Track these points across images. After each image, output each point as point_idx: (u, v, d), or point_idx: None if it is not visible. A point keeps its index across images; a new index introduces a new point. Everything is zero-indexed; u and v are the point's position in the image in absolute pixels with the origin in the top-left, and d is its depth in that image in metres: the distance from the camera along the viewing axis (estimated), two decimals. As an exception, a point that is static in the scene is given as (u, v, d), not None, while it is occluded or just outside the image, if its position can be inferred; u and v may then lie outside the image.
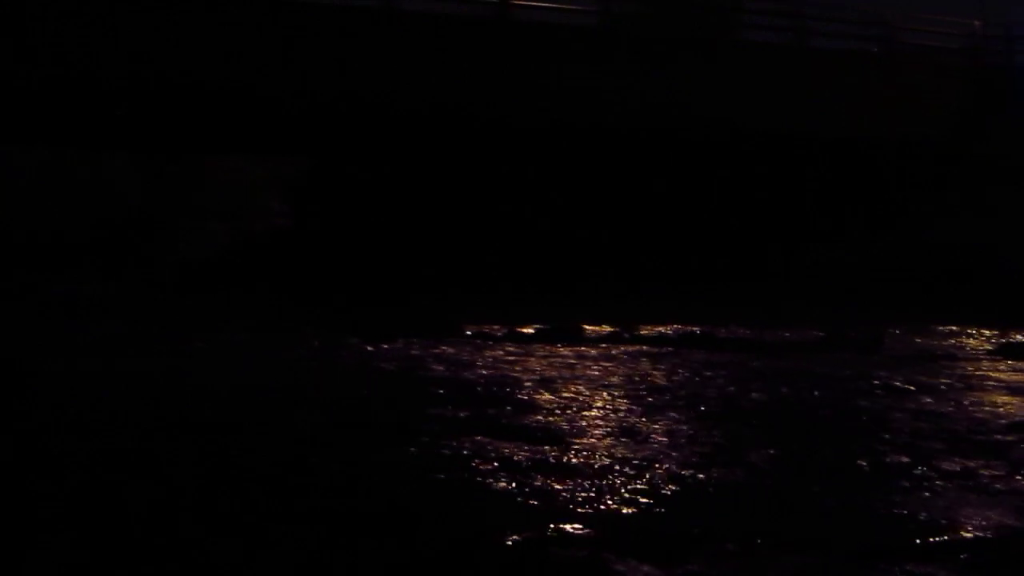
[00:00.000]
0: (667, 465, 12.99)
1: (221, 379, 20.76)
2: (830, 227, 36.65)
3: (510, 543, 9.87)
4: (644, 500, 11.36)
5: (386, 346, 24.44)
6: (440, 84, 35.20)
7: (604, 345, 25.81)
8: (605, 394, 18.62)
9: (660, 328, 28.32)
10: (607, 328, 28.37)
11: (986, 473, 12.77)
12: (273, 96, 34.10)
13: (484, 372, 21.12)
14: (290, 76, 33.72)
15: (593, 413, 16.82)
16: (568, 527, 10.35)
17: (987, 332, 28.61)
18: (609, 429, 15.46)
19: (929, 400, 18.59)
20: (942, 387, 20.29)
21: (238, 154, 44.56)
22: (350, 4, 35.62)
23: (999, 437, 15.14)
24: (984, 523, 10.62)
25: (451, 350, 24.30)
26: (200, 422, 16.49)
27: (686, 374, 21.31)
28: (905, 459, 13.82)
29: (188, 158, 47.14)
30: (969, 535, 10.29)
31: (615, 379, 20.73)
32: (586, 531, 10.24)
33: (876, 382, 20.75)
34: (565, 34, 38.95)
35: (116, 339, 26.42)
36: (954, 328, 29.27)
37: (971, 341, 27.42)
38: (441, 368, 21.62)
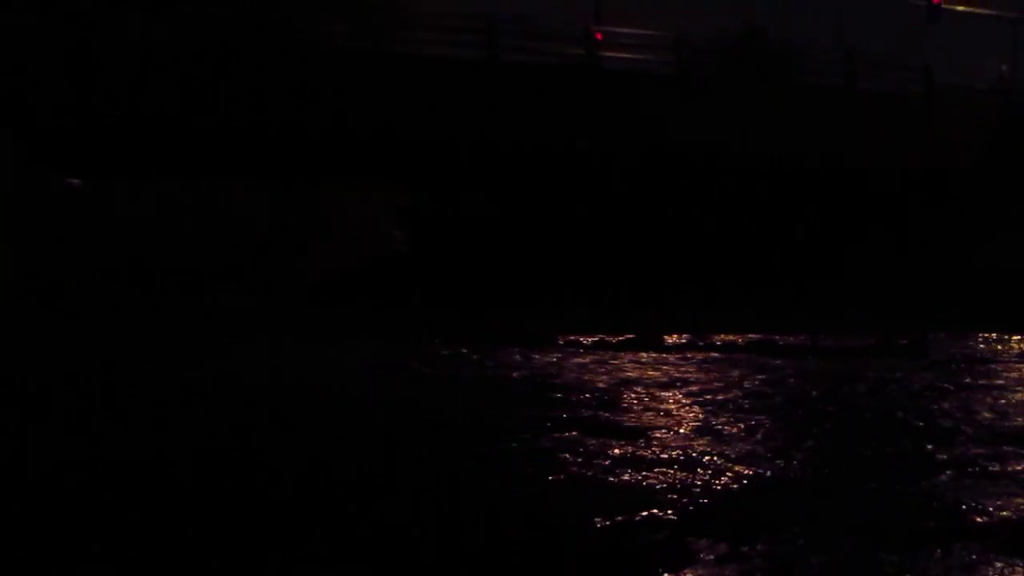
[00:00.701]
0: (737, 457, 12.92)
1: (354, 380, 20.84)
2: (881, 244, 36.41)
3: (603, 526, 9.85)
4: (718, 488, 11.31)
5: (492, 354, 24.40)
6: (535, 124, 35.20)
7: (680, 352, 25.67)
8: (681, 395, 18.53)
9: (727, 336, 28.15)
10: (684, 337, 28.23)
11: (1013, 465, 12.64)
12: (394, 135, 34.18)
13: (575, 376, 21.04)
14: (410, 119, 33.79)
15: (671, 412, 16.75)
16: (653, 512, 10.31)
17: (1018, 337, 28.36)
18: (685, 426, 15.39)
19: (965, 397, 18.43)
20: (979, 387, 20.11)
21: (368, 181, 44.53)
22: (457, 58, 35.65)
23: (1026, 432, 15.00)
24: (1015, 508, 10.52)
25: (547, 357, 24.24)
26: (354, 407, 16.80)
27: (752, 377, 21.15)
28: (945, 452, 13.70)
29: (318, 191, 47.22)
30: (1006, 516, 10.19)
31: (690, 382, 20.61)
32: (668, 516, 10.20)
33: (921, 384, 20.58)
34: (642, 78, 38.87)
35: (264, 345, 26.55)
36: (990, 335, 28.99)
37: (1005, 346, 27.14)
38: (539, 373, 21.55)
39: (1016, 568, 8.55)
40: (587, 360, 24.00)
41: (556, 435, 14.27)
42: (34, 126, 30.47)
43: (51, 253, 36.36)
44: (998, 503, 10.70)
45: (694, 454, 13.04)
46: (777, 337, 27.92)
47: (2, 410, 17.38)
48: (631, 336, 28.30)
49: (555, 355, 24.81)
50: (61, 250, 38.50)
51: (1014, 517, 10.14)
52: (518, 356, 24.27)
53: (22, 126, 30.10)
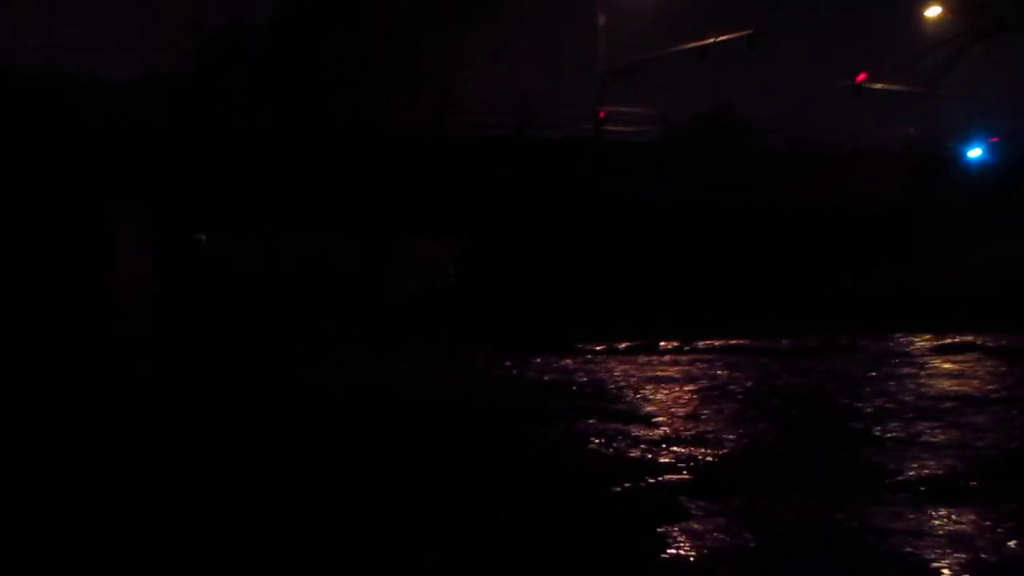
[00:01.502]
0: (717, 435, 12.97)
1: (425, 380, 20.94)
2: (822, 270, 36.46)
3: (616, 490, 9.91)
4: (704, 460, 11.34)
5: (525, 360, 24.48)
6: (551, 185, 35.42)
7: (671, 355, 25.76)
8: (673, 388, 18.61)
9: (708, 342, 28.23)
10: (674, 342, 28.32)
11: (930, 433, 12.69)
12: (446, 197, 34.45)
13: (591, 375, 21.14)
14: (458, 183, 34.06)
15: (666, 401, 16.81)
16: (654, 479, 10.38)
17: (928, 337, 28.36)
18: (677, 411, 15.45)
19: (891, 384, 18.49)
20: (899, 375, 20.17)
21: (429, 231, 44.96)
22: (495, 137, 35.87)
23: (939, 407, 15.04)
24: (932, 468, 10.55)
25: (569, 361, 24.33)
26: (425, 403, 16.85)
27: (726, 372, 21.28)
28: (876, 425, 13.74)
29: (394, 240, 47.61)
30: (924, 475, 10.23)
31: (679, 375, 20.76)
32: (666, 481, 10.26)
33: (854, 373, 20.68)
34: (637, 146, 39.15)
35: (357, 357, 26.74)
36: (907, 337, 29.01)
37: (918, 344, 27.17)
38: (563, 374, 21.66)
39: (931, 513, 8.61)
40: (599, 363, 24.10)
41: (579, 422, 14.34)
42: (172, 195, 30.70)
43: (185, 291, 36.57)
44: (915, 465, 10.74)
45: (685, 434, 13.09)
46: (745, 342, 28.00)
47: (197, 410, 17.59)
48: (634, 343, 28.41)
49: (574, 359, 24.91)
50: (192, 288, 38.73)
51: (929, 475, 10.18)
52: (546, 361, 24.36)
53: (163, 195, 30.32)
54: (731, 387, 18.69)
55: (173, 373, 24.03)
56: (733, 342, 28.29)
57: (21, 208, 28.87)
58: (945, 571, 7.22)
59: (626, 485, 10.13)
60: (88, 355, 26.45)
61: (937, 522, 8.43)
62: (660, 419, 14.57)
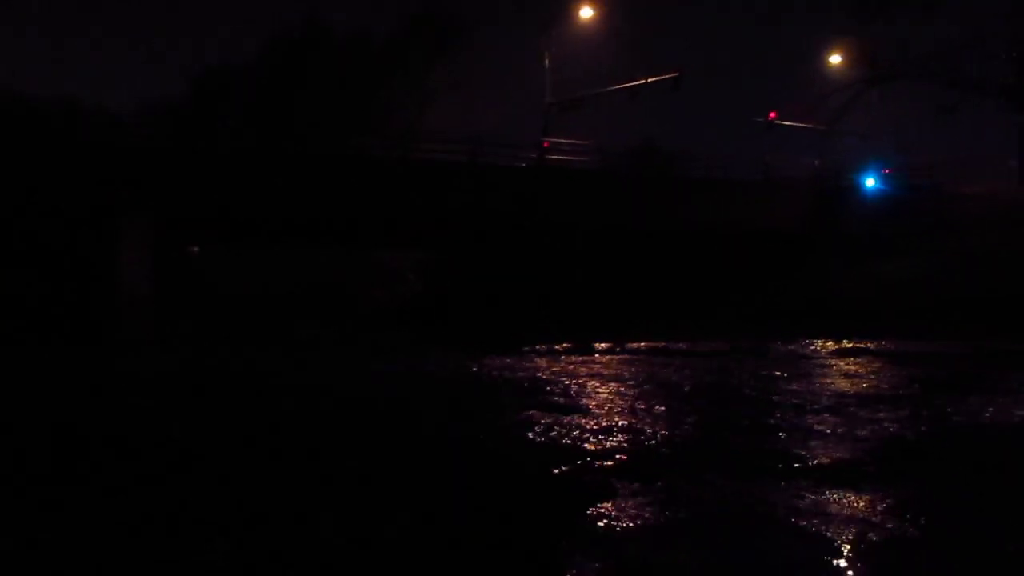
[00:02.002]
0: (642, 424, 12.99)
1: (394, 383, 20.85)
2: (737, 283, 36.66)
3: (556, 472, 9.92)
4: (631, 447, 11.36)
5: (477, 359, 24.39)
6: (502, 203, 35.41)
7: (604, 355, 25.75)
8: (605, 383, 18.60)
9: (636, 344, 28.24)
10: (606, 345, 28.31)
11: (830, 426, 12.77)
12: (410, 216, 34.39)
13: (534, 372, 21.10)
14: (421, 204, 34.03)
15: (598, 395, 16.81)
16: (587, 463, 10.39)
17: (831, 341, 28.54)
18: (608, 404, 15.46)
19: (795, 382, 18.57)
20: (802, 374, 20.26)
21: (397, 246, 44.84)
22: (452, 163, 35.88)
23: (836, 402, 15.14)
24: (830, 456, 10.62)
25: (514, 361, 24.28)
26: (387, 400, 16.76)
27: (650, 370, 21.27)
28: (781, 417, 13.81)
29: (368, 254, 47.41)
30: (822, 462, 10.29)
31: (610, 373, 20.72)
32: (598, 465, 10.27)
33: (764, 372, 20.72)
34: (577, 173, 39.19)
35: (335, 359, 26.57)
36: (810, 341, 29.17)
37: (819, 348, 27.32)
38: (510, 371, 21.58)
39: (828, 494, 8.68)
40: (542, 362, 24.06)
41: (523, 412, 14.33)
42: (168, 212, 30.56)
43: (179, 298, 36.35)
44: (815, 452, 10.82)
45: (615, 423, 13.10)
46: (668, 345, 28.02)
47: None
48: (571, 345, 28.40)
49: (520, 359, 24.86)
50: (185, 295, 38.55)
51: (827, 462, 10.25)
52: (496, 360, 24.30)
53: (159, 211, 30.17)
54: (654, 383, 18.70)
55: (159, 369, 23.89)
56: (657, 344, 28.33)
57: (32, 222, 28.73)
58: (840, 545, 7.28)
59: (563, 468, 10.16)
60: (91, 354, 26.25)
61: (834, 502, 8.50)
62: (593, 411, 14.58)
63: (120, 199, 29.43)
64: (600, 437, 12.01)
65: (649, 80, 47.57)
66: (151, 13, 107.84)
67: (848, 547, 7.26)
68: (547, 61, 48.21)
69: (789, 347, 27.54)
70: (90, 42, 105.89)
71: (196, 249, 45.24)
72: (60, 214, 28.72)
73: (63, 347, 26.82)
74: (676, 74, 46.74)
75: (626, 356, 25.53)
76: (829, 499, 8.58)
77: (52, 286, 28.92)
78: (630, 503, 8.58)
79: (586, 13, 48.55)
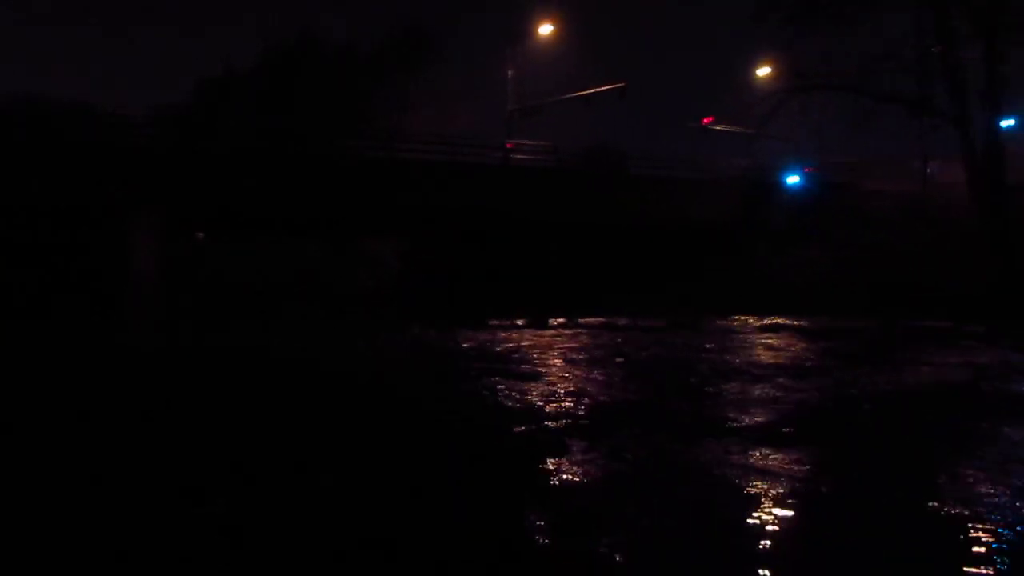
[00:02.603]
0: (592, 389, 13.01)
1: (374, 354, 20.79)
2: (678, 268, 36.67)
3: (516, 431, 9.93)
4: (582, 409, 11.37)
5: (449, 333, 24.37)
6: (472, 197, 35.32)
7: (558, 330, 25.78)
8: (560, 353, 18.63)
9: (586, 320, 28.31)
10: (561, 320, 28.36)
11: (755, 392, 12.82)
12: (393, 210, 34.26)
13: (497, 344, 21.10)
14: (403, 197, 33.90)
15: (554, 362, 16.83)
16: (543, 424, 10.39)
17: (757, 318, 28.69)
18: (562, 372, 15.47)
19: (725, 354, 18.62)
20: (731, 345, 20.35)
21: (379, 234, 44.55)
22: (430, 162, 35.78)
23: (761, 371, 15.20)
24: (755, 418, 10.66)
25: (479, 334, 24.28)
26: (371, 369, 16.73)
27: (598, 342, 21.31)
28: (712, 384, 13.85)
29: (353, 241, 47.09)
30: (748, 423, 10.32)
31: (564, 344, 20.74)
32: (555, 425, 10.27)
33: (698, 344, 20.78)
34: (537, 171, 39.13)
35: (323, 334, 26.42)
36: (740, 317, 29.31)
37: (748, 324, 27.45)
38: (477, 343, 21.59)
39: (754, 452, 8.72)
40: (504, 335, 24.06)
41: (487, 378, 14.34)
42: (175, 204, 30.37)
43: (185, 280, 36.11)
44: (742, 415, 10.85)
45: (568, 388, 13.12)
46: (614, 320, 28.09)
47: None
48: (529, 319, 28.43)
49: (485, 332, 24.84)
50: (191, 278, 38.35)
51: (753, 423, 10.29)
52: (465, 334, 24.28)
53: (166, 204, 29.97)
54: (602, 353, 18.74)
55: (165, 345, 23.75)
56: (605, 320, 28.39)
57: (53, 215, 28.63)
58: (764, 496, 7.32)
59: (523, 428, 10.17)
60: (103, 327, 26.05)
61: (758, 458, 8.54)
62: (549, 377, 14.61)
63: (130, 194, 29.28)
64: (554, 400, 12.02)
65: (599, 89, 47.87)
66: (155, 21, 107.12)
67: (769, 497, 7.30)
68: (510, 72, 48.26)
69: (720, 323, 27.67)
70: (101, 47, 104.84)
71: (201, 236, 44.99)
72: (78, 207, 28.59)
73: (79, 322, 26.63)
74: (622, 84, 47.07)
75: (578, 330, 25.56)
76: (753, 456, 8.62)
77: (71, 271, 28.87)
78: (580, 459, 8.60)
79: (545, 30, 48.60)
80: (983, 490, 7.38)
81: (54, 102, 31.99)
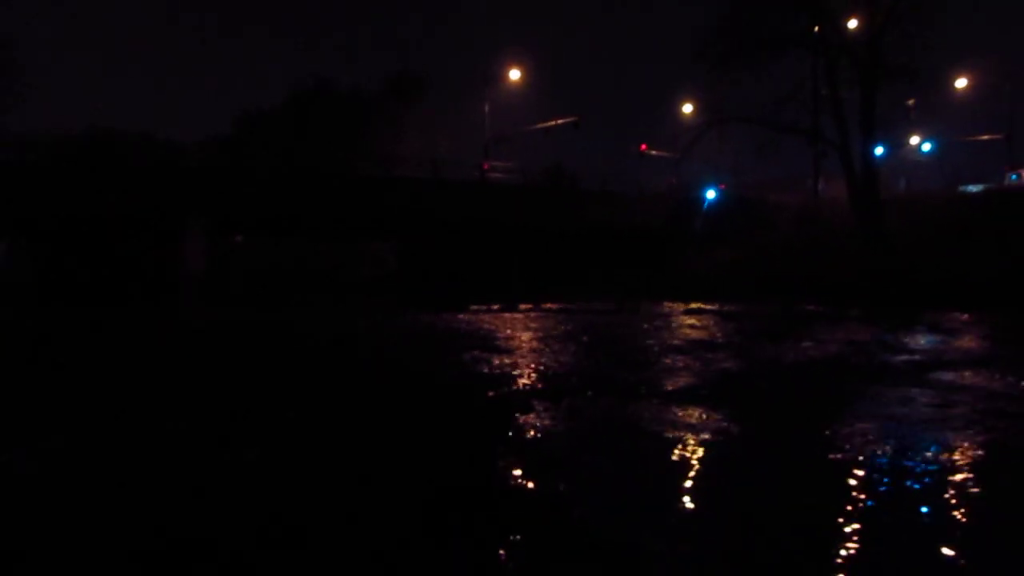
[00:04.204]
0: (553, 361, 13.02)
1: (375, 330, 20.70)
2: (618, 265, 36.76)
3: (490, 394, 9.94)
4: (544, 377, 11.39)
5: (435, 316, 24.31)
6: (455, 207, 35.35)
7: (526, 313, 25.75)
8: (527, 332, 18.60)
9: (549, 305, 28.28)
10: (528, 305, 28.34)
11: (683, 362, 12.88)
12: (390, 216, 34.14)
13: (474, 324, 21.05)
14: (397, 207, 33.80)
15: (521, 340, 16.80)
16: (513, 388, 10.41)
17: (683, 303, 28.76)
18: (528, 346, 15.45)
19: (659, 332, 18.67)
20: (663, 326, 20.38)
21: (379, 236, 44.45)
22: (421, 178, 35.69)
23: (686, 346, 15.25)
24: (683, 383, 10.72)
25: (461, 316, 24.21)
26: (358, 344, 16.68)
27: (558, 323, 21.25)
28: (653, 356, 13.92)
29: (357, 243, 46.91)
30: (676, 387, 10.39)
31: (530, 325, 20.71)
32: (522, 389, 10.29)
33: (637, 324, 20.84)
34: (508, 187, 39.19)
35: (331, 316, 26.29)
36: (671, 303, 29.38)
37: (676, 307, 27.52)
38: (457, 323, 21.53)
39: (679, 410, 8.79)
40: (483, 317, 24.01)
41: (466, 352, 14.29)
42: (219, 213, 30.29)
43: (225, 273, 35.96)
44: (671, 381, 10.92)
45: (533, 360, 13.13)
46: (571, 306, 28.08)
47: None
48: (502, 305, 28.39)
49: (466, 315, 24.78)
50: (230, 271, 38.21)
51: (679, 387, 10.34)
52: (449, 316, 24.22)
53: (211, 213, 29.89)
54: (560, 331, 18.72)
55: (206, 322, 23.72)
56: (564, 305, 28.39)
57: (123, 225, 28.73)
58: (687, 443, 7.40)
59: (496, 391, 10.17)
60: (161, 309, 26.02)
61: (683, 415, 8.59)
62: (517, 351, 14.59)
63: (182, 205, 29.36)
64: (522, 370, 12.04)
65: (558, 121, 48.07)
66: (194, 62, 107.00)
67: (692, 444, 7.39)
68: (487, 107, 48.33)
69: (654, 307, 27.69)
70: (155, 84, 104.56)
71: (239, 239, 44.77)
72: (142, 218, 28.70)
73: (145, 307, 26.58)
74: (576, 118, 47.24)
75: (541, 313, 25.53)
76: (680, 413, 8.68)
77: (138, 268, 28.95)
78: (544, 417, 8.63)
79: (515, 75, 48.68)
80: (860, 439, 7.50)
81: (119, 132, 32.01)
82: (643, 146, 49.82)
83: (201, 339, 18.38)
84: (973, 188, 43.38)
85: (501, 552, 4.76)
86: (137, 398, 10.03)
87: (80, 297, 27.46)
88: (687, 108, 49.14)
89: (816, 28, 35.08)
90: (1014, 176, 43.79)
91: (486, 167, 40.59)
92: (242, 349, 16.20)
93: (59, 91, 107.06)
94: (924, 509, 5.70)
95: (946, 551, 4.73)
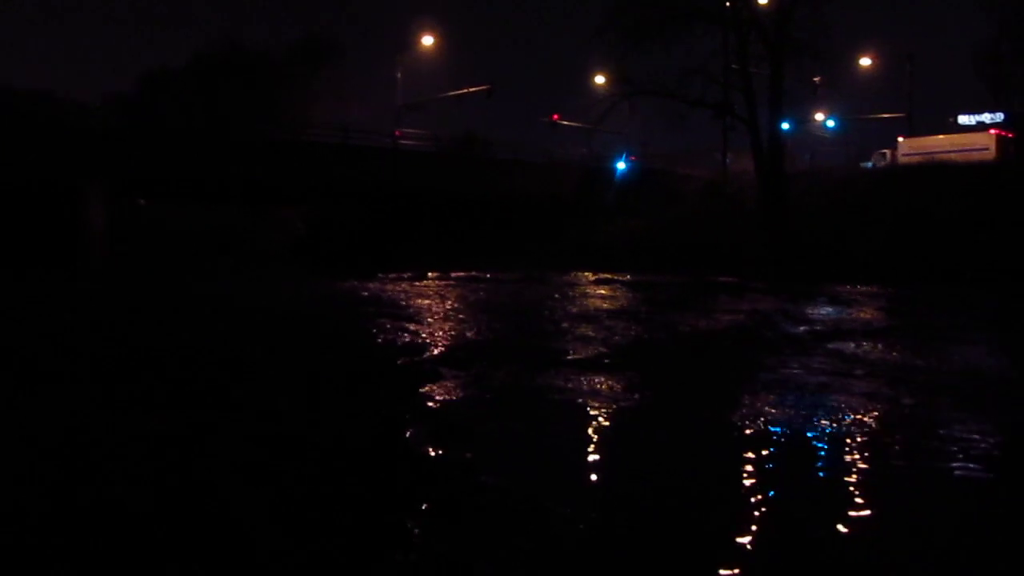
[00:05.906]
0: (464, 327, 13.07)
1: (283, 298, 20.41)
2: (529, 234, 36.75)
3: (399, 363, 9.91)
4: (453, 345, 11.42)
5: (344, 283, 24.10)
6: (367, 175, 34.92)
7: (434, 281, 25.71)
8: (435, 300, 18.59)
9: (457, 274, 28.29)
10: (436, 274, 28.28)
11: (591, 331, 13.01)
12: (299, 183, 33.53)
13: (385, 291, 20.95)
14: (306, 174, 33.23)
15: (429, 308, 16.80)
16: (422, 356, 10.40)
17: (592, 273, 29.00)
18: (436, 314, 15.48)
19: (565, 301, 18.82)
20: (573, 295, 20.57)
21: (288, 203, 43.60)
22: (330, 144, 35.14)
23: (593, 315, 15.41)
24: (590, 352, 10.84)
25: (371, 284, 24.07)
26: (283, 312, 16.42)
27: (467, 292, 21.31)
28: (561, 325, 14.02)
29: (267, 208, 45.89)
30: (582, 355, 10.50)
31: (438, 293, 20.68)
32: (431, 357, 10.29)
33: (544, 293, 20.86)
34: (420, 154, 38.90)
35: (235, 282, 25.82)
36: (580, 272, 29.61)
37: (586, 277, 27.74)
38: (366, 291, 21.38)
39: (585, 378, 8.90)
40: (390, 285, 23.91)
41: (376, 320, 14.23)
42: (122, 175, 29.34)
43: (128, 238, 34.91)
44: (578, 349, 11.03)
45: (441, 328, 13.16)
46: (478, 274, 28.10)
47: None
48: (411, 274, 28.28)
49: (376, 282, 24.64)
50: (133, 236, 37.15)
51: (586, 356, 10.46)
52: (357, 284, 24.04)
53: (113, 175, 28.94)
54: (469, 300, 18.77)
55: (107, 289, 23.06)
56: (472, 274, 28.37)
57: (21, 183, 27.57)
58: (591, 409, 7.51)
59: (404, 359, 10.14)
60: (63, 278, 25.17)
61: (588, 382, 8.70)
62: (426, 319, 14.60)
63: (83, 167, 28.37)
64: (431, 337, 12.04)
65: (471, 89, 47.73)
66: (100, 18, 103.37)
67: (597, 410, 7.50)
68: (399, 74, 47.79)
69: (563, 277, 27.82)
70: (56, 39, 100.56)
71: (142, 202, 43.55)
72: (42, 178, 27.62)
73: (40, 270, 25.68)
74: (489, 86, 46.99)
75: (450, 282, 25.55)
76: (585, 380, 8.79)
77: (34, 230, 27.81)
78: (451, 384, 8.66)
79: (427, 40, 48.15)
80: (759, 402, 7.70)
81: (17, 90, 30.77)
82: (555, 116, 49.70)
83: (91, 305, 17.84)
84: (870, 164, 44.60)
85: (407, 519, 4.75)
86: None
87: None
88: (599, 79, 49.30)
89: (727, 3, 35.49)
90: (869, 164, 44.58)
91: (398, 134, 40.15)
92: (135, 314, 15.78)
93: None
94: (821, 474, 5.90)
95: (840, 508, 4.88)
